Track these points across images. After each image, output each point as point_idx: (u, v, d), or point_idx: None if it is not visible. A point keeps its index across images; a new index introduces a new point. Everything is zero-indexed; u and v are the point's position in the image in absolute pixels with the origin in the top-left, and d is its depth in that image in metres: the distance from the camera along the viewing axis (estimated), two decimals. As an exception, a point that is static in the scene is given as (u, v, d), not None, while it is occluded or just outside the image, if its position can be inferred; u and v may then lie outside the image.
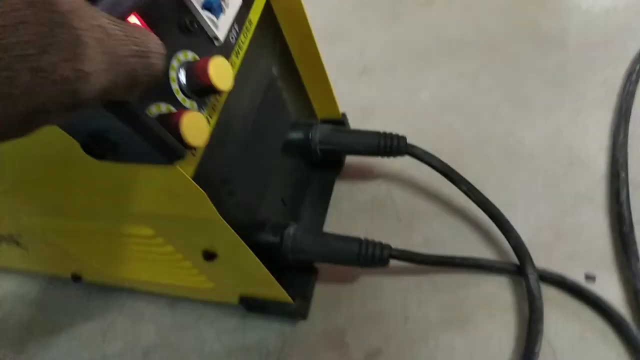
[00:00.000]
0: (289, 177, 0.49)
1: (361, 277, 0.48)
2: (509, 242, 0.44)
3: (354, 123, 0.56)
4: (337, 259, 0.43)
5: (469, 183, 0.46)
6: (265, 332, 0.48)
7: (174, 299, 0.53)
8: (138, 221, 0.36)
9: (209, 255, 0.37)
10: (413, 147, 0.47)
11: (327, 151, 0.49)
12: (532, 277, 0.41)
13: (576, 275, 0.43)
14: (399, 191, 0.53)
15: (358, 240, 0.43)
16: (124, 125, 0.26)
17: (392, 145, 0.47)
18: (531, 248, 0.44)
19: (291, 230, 0.43)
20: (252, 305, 0.46)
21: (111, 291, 0.56)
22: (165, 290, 0.50)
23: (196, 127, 0.29)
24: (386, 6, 0.71)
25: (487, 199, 0.46)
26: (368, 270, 0.48)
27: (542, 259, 0.44)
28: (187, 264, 0.40)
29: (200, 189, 0.30)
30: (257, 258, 0.37)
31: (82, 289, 0.57)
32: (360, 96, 0.63)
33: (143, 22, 0.28)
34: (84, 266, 0.50)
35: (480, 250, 0.47)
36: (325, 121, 0.52)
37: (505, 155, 0.53)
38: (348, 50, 0.68)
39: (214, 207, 0.31)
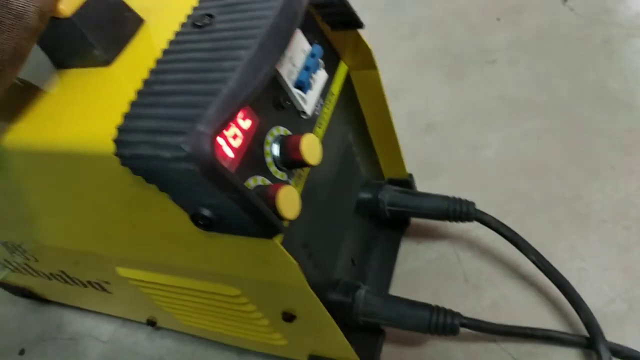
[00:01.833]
0: (358, 236, 0.51)
1: (429, 340, 0.49)
2: (579, 316, 0.44)
3: (418, 179, 0.57)
4: (407, 325, 0.44)
5: (538, 253, 0.46)
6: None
7: (242, 350, 0.55)
8: (227, 282, 0.38)
9: (289, 317, 0.39)
10: (482, 213, 0.48)
11: (396, 212, 0.51)
12: (605, 355, 0.41)
13: (652, 352, 0.42)
14: (466, 252, 0.53)
15: (429, 307, 0.43)
16: (233, 203, 0.28)
17: (461, 210, 0.48)
18: (602, 319, 0.43)
19: (362, 292, 0.44)
20: (321, 364, 0.47)
21: (182, 336, 0.58)
22: (236, 342, 0.52)
23: (290, 200, 0.31)
24: (450, 63, 0.73)
25: (556, 271, 0.46)
26: (435, 333, 0.48)
27: (614, 332, 0.43)
28: (264, 322, 0.42)
29: (293, 260, 0.32)
30: (334, 322, 0.38)
31: (153, 333, 0.60)
32: (424, 152, 0.64)
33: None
34: (161, 314, 0.53)
35: (548, 319, 0.47)
36: (392, 181, 0.53)
37: (574, 219, 0.52)
38: (412, 105, 0.70)
39: (303, 277, 0.33)
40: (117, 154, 0.28)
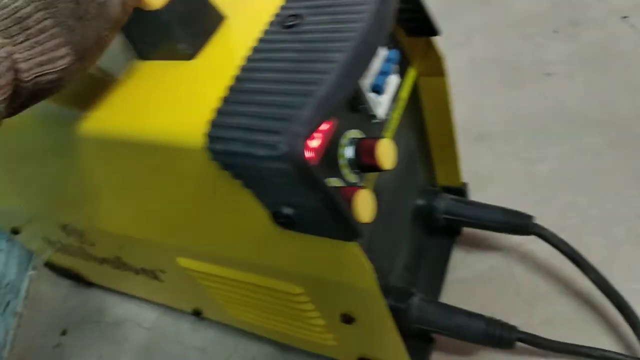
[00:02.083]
0: (411, 243, 0.51)
1: (477, 351, 0.48)
2: (637, 337, 0.43)
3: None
4: (461, 335, 0.43)
5: (597, 271, 0.46)
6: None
7: (285, 346, 0.55)
8: (291, 280, 0.38)
9: (348, 319, 0.39)
10: (541, 228, 0.47)
11: (451, 221, 0.50)
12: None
13: None
14: (519, 266, 0.53)
15: (484, 319, 0.43)
16: (320, 205, 0.28)
17: (519, 224, 0.47)
18: (662, 343, 0.43)
19: (416, 299, 0.44)
20: (369, 367, 0.47)
21: (225, 328, 0.59)
22: (282, 338, 0.52)
23: (366, 204, 0.31)
24: (506, 73, 0.72)
25: (615, 291, 0.45)
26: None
27: (674, 357, 0.42)
28: (319, 322, 0.42)
29: (369, 264, 0.32)
30: (395, 327, 0.38)
31: (197, 322, 0.61)
32: (475, 162, 0.63)
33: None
34: (209, 305, 0.53)
35: (604, 339, 0.46)
36: (446, 189, 0.53)
37: (633, 238, 0.52)
38: (463, 114, 0.69)
39: (375, 281, 0.33)
40: (208, 149, 0.28)
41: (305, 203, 0.29)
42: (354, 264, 0.32)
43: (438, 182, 0.56)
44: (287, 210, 0.30)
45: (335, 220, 0.29)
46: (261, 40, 0.32)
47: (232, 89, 0.30)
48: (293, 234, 0.32)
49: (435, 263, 0.54)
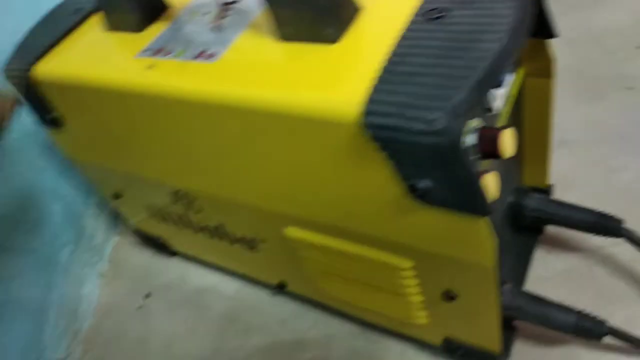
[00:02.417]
0: (500, 238, 0.53)
1: (558, 341, 0.50)
2: None
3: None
4: (550, 324, 0.46)
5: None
6: (453, 375, 0.52)
7: (365, 325, 0.58)
8: (403, 253, 0.41)
9: (450, 297, 0.42)
10: (631, 231, 0.49)
11: (538, 219, 0.52)
12: None
13: None
14: (600, 267, 0.54)
15: (575, 311, 0.45)
16: (462, 180, 0.31)
17: (609, 226, 0.49)
18: None
19: (508, 287, 0.46)
20: (454, 349, 0.49)
21: (305, 302, 0.62)
22: (367, 315, 0.55)
23: (494, 184, 0.34)
24: (586, 84, 0.74)
25: None
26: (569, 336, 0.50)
27: None
28: (417, 299, 0.45)
29: (494, 240, 0.34)
30: (498, 308, 0.40)
31: (277, 295, 0.64)
32: (556, 167, 0.65)
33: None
34: (296, 278, 0.57)
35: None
36: (533, 189, 0.55)
37: None
38: (544, 120, 0.71)
39: (495, 257, 0.35)
40: (363, 122, 0.32)
41: (447, 177, 0.31)
42: (479, 240, 0.35)
43: (525, 182, 0.58)
44: (425, 183, 0.33)
45: (473, 196, 0.32)
46: (408, 29, 0.35)
47: (385, 70, 0.33)
48: (422, 207, 0.34)
49: (519, 260, 0.56)
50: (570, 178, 0.63)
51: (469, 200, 0.32)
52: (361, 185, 0.37)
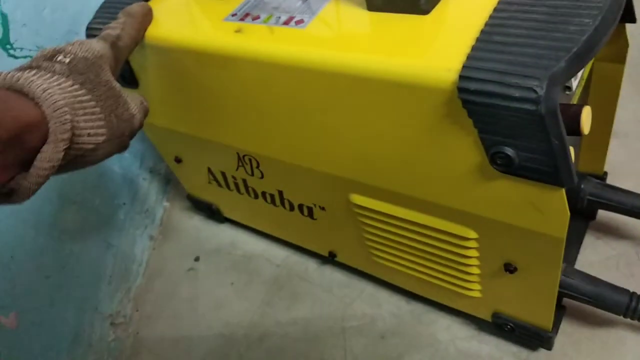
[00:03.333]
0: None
1: (605, 324, 0.52)
2: None
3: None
4: (602, 304, 0.47)
5: None
6: (499, 351, 0.53)
7: (411, 296, 0.59)
8: (469, 224, 0.42)
9: (512, 269, 0.43)
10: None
11: (594, 203, 0.54)
12: None
13: None
14: (649, 255, 0.56)
15: (628, 292, 0.46)
16: (553, 149, 0.32)
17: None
18: None
19: (563, 265, 0.48)
20: (502, 324, 0.51)
21: (351, 273, 0.64)
22: (417, 287, 0.57)
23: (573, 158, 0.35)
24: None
25: None
26: (615, 319, 0.51)
27: None
28: (475, 270, 0.46)
29: (568, 212, 0.36)
30: (558, 281, 0.42)
31: (324, 264, 0.66)
32: (609, 156, 0.66)
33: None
34: (347, 248, 0.59)
35: None
36: (588, 174, 0.56)
37: None
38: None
39: (566, 229, 0.37)
40: (459, 87, 0.33)
41: (535, 147, 0.33)
42: (555, 211, 0.36)
43: (580, 168, 0.59)
44: (508, 151, 0.34)
45: (558, 166, 0.33)
46: (501, 2, 0.36)
47: (482, 39, 0.34)
48: (501, 176, 0.36)
49: (571, 242, 0.57)
50: (622, 167, 0.64)
51: (553, 171, 0.34)
52: (444, 153, 0.38)
